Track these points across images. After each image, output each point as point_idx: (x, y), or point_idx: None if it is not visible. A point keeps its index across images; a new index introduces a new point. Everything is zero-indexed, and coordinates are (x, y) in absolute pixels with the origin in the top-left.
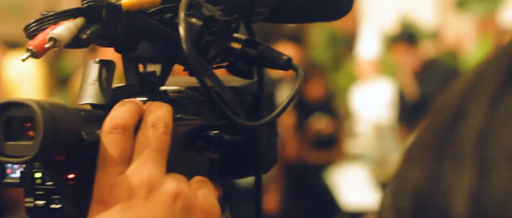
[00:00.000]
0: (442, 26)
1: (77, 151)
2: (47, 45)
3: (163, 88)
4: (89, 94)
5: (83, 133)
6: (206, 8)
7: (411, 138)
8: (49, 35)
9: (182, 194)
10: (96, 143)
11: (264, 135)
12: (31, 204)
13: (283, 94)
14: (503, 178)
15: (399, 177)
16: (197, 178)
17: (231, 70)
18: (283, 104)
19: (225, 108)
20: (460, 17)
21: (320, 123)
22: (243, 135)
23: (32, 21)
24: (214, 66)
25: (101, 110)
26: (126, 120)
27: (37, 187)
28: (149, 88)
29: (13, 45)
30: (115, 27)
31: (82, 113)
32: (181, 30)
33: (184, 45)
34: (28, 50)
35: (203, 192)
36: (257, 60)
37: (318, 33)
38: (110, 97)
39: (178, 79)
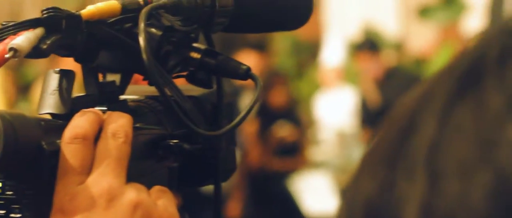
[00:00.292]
0: (405, 34)
1: (37, 160)
2: (7, 55)
3: (123, 97)
4: (49, 104)
5: (43, 143)
6: (165, 18)
7: (367, 149)
8: (9, 46)
9: (142, 204)
10: (56, 153)
11: (223, 144)
12: None
13: (246, 102)
14: (453, 189)
15: (353, 187)
16: (156, 188)
17: (191, 79)
18: (242, 115)
19: (185, 117)
20: (423, 25)
21: (283, 131)
22: (203, 144)
23: None
24: (174, 75)
25: (61, 120)
26: (86, 129)
27: None
28: (108, 97)
29: None
30: (75, 37)
31: (42, 123)
32: (141, 40)
33: (144, 56)
34: None
35: (163, 202)
36: (216, 70)
37: (282, 41)
38: (70, 107)
39: (138, 89)
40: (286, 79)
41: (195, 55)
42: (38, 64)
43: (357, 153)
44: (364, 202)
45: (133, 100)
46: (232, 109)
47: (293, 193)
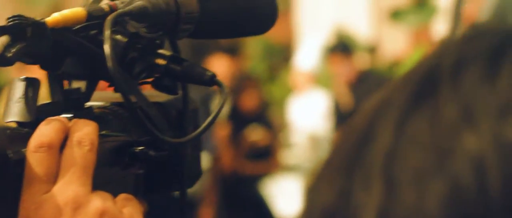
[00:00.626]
0: (378, 37)
1: (2, 169)
2: None
3: (88, 104)
4: (14, 112)
5: (8, 152)
6: (131, 25)
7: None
8: None
9: (108, 212)
10: (21, 161)
11: (189, 150)
12: None
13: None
14: (409, 198)
15: (310, 195)
16: (122, 196)
17: (156, 86)
18: (208, 121)
19: (149, 124)
20: (395, 28)
21: (255, 134)
22: (168, 150)
23: None
24: (139, 82)
25: (26, 128)
26: (52, 138)
27: None
28: (74, 104)
29: None
30: (40, 45)
31: (8, 131)
32: (106, 48)
33: (109, 63)
34: None
35: (129, 210)
36: (181, 76)
37: (254, 44)
38: (36, 115)
39: (103, 95)
40: (258, 82)
41: (161, 61)
42: (7, 72)
43: None
44: (321, 210)
45: (99, 107)
46: (197, 115)
47: (265, 197)
